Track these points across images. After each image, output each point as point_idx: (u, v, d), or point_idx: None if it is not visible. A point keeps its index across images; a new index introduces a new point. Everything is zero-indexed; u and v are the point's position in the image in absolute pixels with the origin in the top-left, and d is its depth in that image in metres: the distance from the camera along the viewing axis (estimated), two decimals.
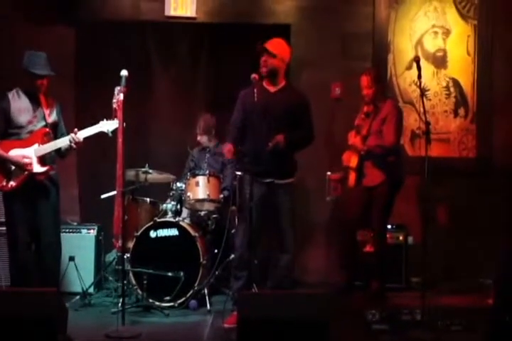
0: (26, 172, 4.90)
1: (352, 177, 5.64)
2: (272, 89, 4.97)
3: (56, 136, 5.08)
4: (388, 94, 6.15)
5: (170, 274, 5.25)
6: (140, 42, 6.72)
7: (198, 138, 6.21)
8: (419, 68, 5.15)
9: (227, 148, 4.95)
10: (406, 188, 5.67)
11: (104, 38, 6.62)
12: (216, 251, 5.58)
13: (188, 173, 5.75)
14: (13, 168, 4.91)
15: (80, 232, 5.91)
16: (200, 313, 5.18)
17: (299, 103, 5.01)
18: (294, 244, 5.04)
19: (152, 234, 5.43)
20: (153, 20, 6.57)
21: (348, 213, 5.77)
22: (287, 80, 5.12)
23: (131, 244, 5.41)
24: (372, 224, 5.61)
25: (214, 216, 5.77)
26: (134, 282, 5.34)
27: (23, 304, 3.82)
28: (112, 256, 5.93)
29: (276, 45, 4.95)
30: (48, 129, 5.01)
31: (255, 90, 4.71)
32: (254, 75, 4.83)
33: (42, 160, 4.96)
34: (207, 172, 5.64)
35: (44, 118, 5.01)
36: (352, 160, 5.64)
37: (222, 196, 5.62)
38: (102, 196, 5.79)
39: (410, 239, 6.11)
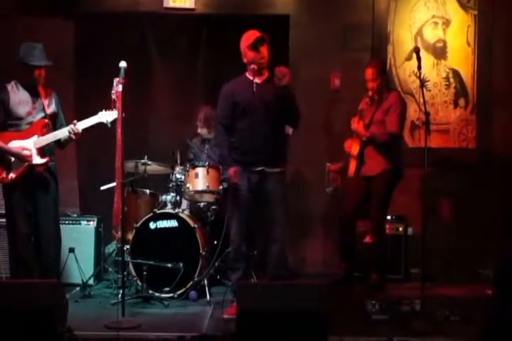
0: (26, 164, 4.90)
1: (352, 165, 5.64)
2: (258, 79, 4.92)
3: (55, 127, 5.07)
4: (392, 86, 6.14)
5: (169, 265, 5.26)
6: (139, 33, 6.71)
7: (198, 130, 6.20)
8: (418, 59, 5.14)
9: (234, 171, 4.89)
10: (406, 179, 5.67)
11: (102, 30, 6.61)
12: (215, 242, 5.58)
13: (188, 164, 5.75)
14: (12, 159, 4.91)
15: (80, 224, 5.91)
16: (200, 304, 5.19)
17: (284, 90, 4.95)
18: (284, 233, 5.03)
19: (152, 225, 5.44)
20: (152, 11, 6.55)
21: (347, 204, 5.77)
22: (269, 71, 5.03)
23: (130, 236, 5.42)
24: (370, 215, 5.61)
25: (213, 207, 5.77)
26: (133, 273, 5.35)
27: (23, 295, 3.83)
28: (111, 247, 5.93)
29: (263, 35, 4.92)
30: (47, 120, 5.01)
31: (254, 82, 4.70)
32: (253, 66, 4.81)
33: (41, 151, 4.95)
34: (206, 163, 5.63)
35: (43, 110, 5.00)
36: (354, 148, 5.64)
37: (221, 187, 5.61)
38: (102, 187, 5.81)
39: (410, 230, 6.11)
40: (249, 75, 4.92)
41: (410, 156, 5.73)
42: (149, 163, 5.74)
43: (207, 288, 5.31)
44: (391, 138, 5.52)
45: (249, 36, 4.87)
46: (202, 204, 5.73)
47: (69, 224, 5.82)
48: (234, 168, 4.89)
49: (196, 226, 5.40)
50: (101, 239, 5.95)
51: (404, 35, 6.55)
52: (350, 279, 5.71)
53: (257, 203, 4.87)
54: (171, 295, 5.27)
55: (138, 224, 5.43)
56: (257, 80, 4.86)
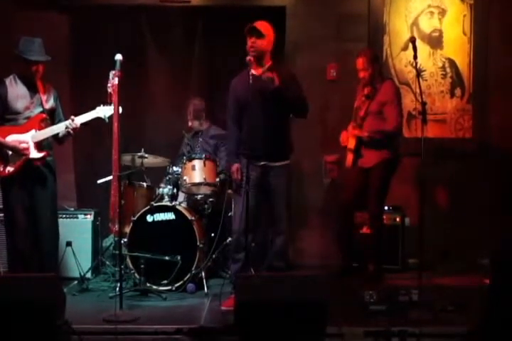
0: (23, 158, 4.90)
1: (349, 157, 5.63)
2: (258, 71, 4.90)
3: (54, 122, 5.08)
4: (386, 75, 6.12)
5: (167, 258, 5.26)
6: (134, 26, 6.69)
7: (189, 123, 6.22)
8: (414, 49, 5.12)
9: (236, 167, 4.91)
10: (402, 169, 5.67)
11: (98, 23, 6.59)
12: (213, 234, 5.59)
13: (184, 157, 5.75)
14: (10, 153, 4.91)
15: (77, 218, 5.90)
16: (198, 296, 5.18)
17: (286, 78, 4.89)
18: (287, 226, 5.05)
19: (149, 218, 5.43)
20: (147, 4, 6.53)
21: (344, 195, 5.76)
22: (273, 60, 5.00)
23: (128, 229, 5.42)
24: (368, 206, 5.61)
25: (210, 199, 5.76)
26: (131, 266, 5.34)
27: (21, 289, 3.83)
28: (109, 240, 5.94)
29: (264, 26, 4.89)
30: (44, 115, 5.01)
31: (250, 73, 4.68)
32: (249, 57, 4.79)
33: (39, 145, 4.96)
34: (203, 155, 5.62)
35: (41, 105, 5.01)
36: (350, 141, 5.62)
37: (218, 179, 5.61)
38: (99, 181, 5.81)
39: (407, 221, 6.11)
40: (250, 67, 4.91)
41: (407, 146, 5.73)
42: (146, 155, 5.73)
43: (204, 281, 5.31)
44: (389, 135, 5.51)
45: (252, 23, 4.86)
46: (199, 196, 5.72)
47: (66, 217, 5.81)
48: (236, 165, 4.91)
49: (193, 218, 5.40)
50: (98, 232, 5.94)
51: (400, 25, 6.53)
52: (348, 270, 5.71)
53: (260, 196, 4.89)
54: (169, 287, 5.26)
55: (135, 217, 5.43)
56: (254, 72, 4.83)
